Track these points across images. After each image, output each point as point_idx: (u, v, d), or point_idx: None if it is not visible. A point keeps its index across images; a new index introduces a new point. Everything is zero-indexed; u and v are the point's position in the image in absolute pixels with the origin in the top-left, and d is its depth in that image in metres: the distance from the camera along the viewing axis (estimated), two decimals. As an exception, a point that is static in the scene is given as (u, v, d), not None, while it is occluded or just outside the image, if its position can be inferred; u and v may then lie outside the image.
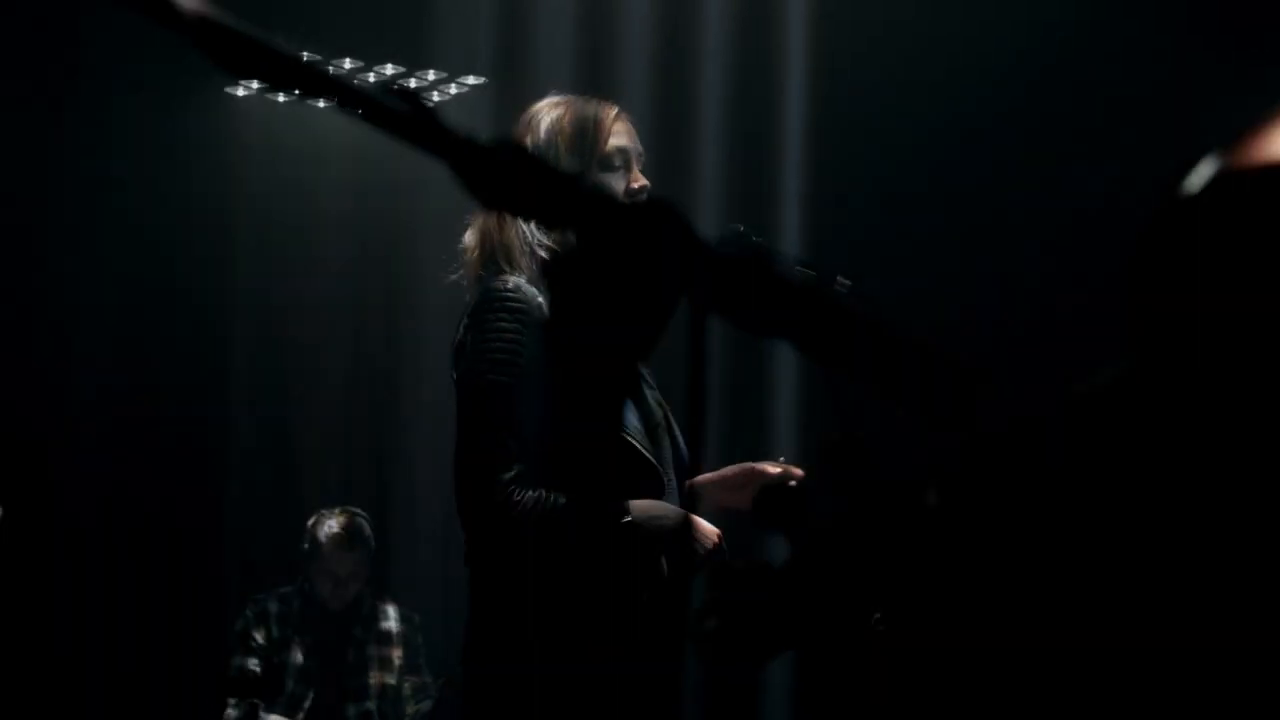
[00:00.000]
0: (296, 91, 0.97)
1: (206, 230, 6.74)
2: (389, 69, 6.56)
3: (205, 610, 6.67)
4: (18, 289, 6.54)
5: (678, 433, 3.32)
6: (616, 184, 3.23)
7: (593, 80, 4.97)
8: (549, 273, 3.09)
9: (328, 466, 7.09)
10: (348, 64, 6.54)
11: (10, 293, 6.52)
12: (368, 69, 6.58)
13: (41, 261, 6.56)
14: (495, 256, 3.23)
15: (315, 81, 0.96)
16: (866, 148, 5.63)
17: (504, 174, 0.95)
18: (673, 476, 3.25)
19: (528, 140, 3.25)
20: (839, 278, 3.38)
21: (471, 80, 6.67)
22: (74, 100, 6.16)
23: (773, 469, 3.32)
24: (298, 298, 6.97)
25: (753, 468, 3.32)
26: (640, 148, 3.33)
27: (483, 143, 0.96)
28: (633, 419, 3.14)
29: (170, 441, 6.79)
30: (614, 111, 3.32)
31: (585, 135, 3.26)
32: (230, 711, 5.68)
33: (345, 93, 0.96)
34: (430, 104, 0.96)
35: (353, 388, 7.16)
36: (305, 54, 0.99)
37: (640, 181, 3.29)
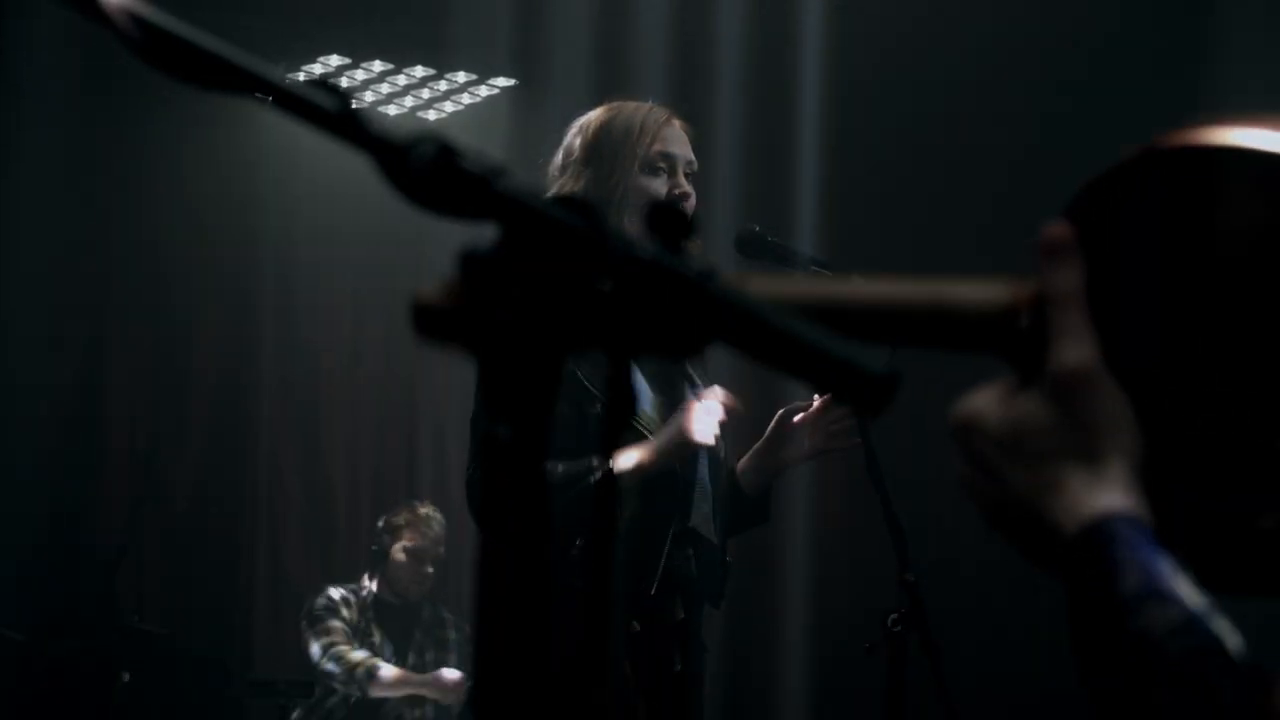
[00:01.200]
0: (224, 87, 0.95)
1: (233, 234, 6.75)
2: (419, 71, 6.56)
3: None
4: (43, 298, 6.57)
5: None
6: (658, 187, 3.26)
7: (612, 81, 4.96)
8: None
9: (359, 479, 7.10)
10: (378, 66, 6.55)
11: (33, 302, 6.55)
12: (397, 71, 6.59)
13: (62, 271, 6.58)
14: None
15: (241, 77, 0.94)
16: (883, 146, 5.61)
17: (424, 170, 0.93)
18: (704, 473, 3.26)
19: (576, 142, 3.29)
20: (854, 276, 3.37)
21: (501, 82, 6.67)
22: (108, 114, 6.18)
23: (799, 405, 3.34)
24: (327, 301, 6.98)
25: (780, 414, 3.35)
26: (691, 156, 3.33)
27: (404, 139, 0.94)
28: (648, 410, 3.16)
29: (202, 441, 6.81)
30: (665, 116, 3.33)
31: (630, 136, 3.27)
32: (331, 666, 5.74)
33: (272, 89, 0.95)
34: (355, 100, 0.94)
35: (383, 393, 7.16)
36: (229, 48, 0.97)
37: (682, 188, 3.29)
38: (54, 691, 6.09)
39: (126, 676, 5.77)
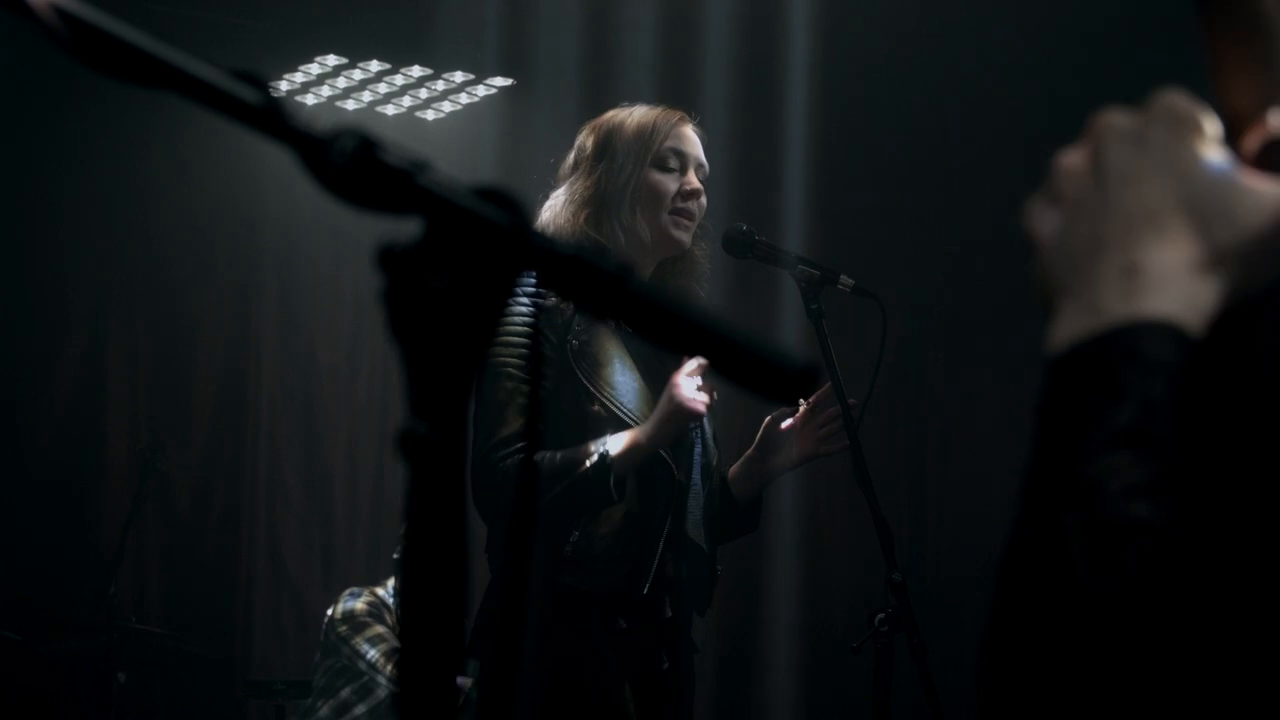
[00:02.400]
0: (149, 82, 0.95)
1: (233, 234, 6.76)
2: (416, 70, 6.56)
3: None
4: (43, 296, 6.57)
5: (709, 436, 3.33)
6: (669, 184, 3.28)
7: (606, 81, 4.97)
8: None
9: (359, 480, 7.10)
10: (375, 66, 6.54)
11: (33, 301, 6.56)
12: (394, 71, 6.58)
13: (63, 269, 6.59)
14: None
15: (166, 71, 0.93)
16: (870, 145, 5.60)
17: (344, 163, 0.93)
18: (697, 478, 3.27)
19: (590, 139, 3.32)
20: (842, 276, 3.36)
21: (498, 82, 6.66)
22: (93, 100, 6.18)
23: (786, 412, 3.34)
24: (328, 301, 6.98)
25: (767, 422, 3.35)
26: (702, 158, 3.35)
27: (325, 132, 0.93)
28: (628, 402, 3.17)
29: (203, 441, 6.81)
30: (679, 117, 3.36)
31: (644, 133, 3.30)
32: (372, 652, 5.74)
33: (195, 83, 0.94)
34: (277, 92, 0.93)
35: (384, 393, 7.16)
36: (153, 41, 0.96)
37: (693, 185, 3.31)
38: (52, 692, 6.10)
39: (123, 677, 5.77)
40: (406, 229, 0.93)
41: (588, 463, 3.07)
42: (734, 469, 3.39)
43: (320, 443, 7.03)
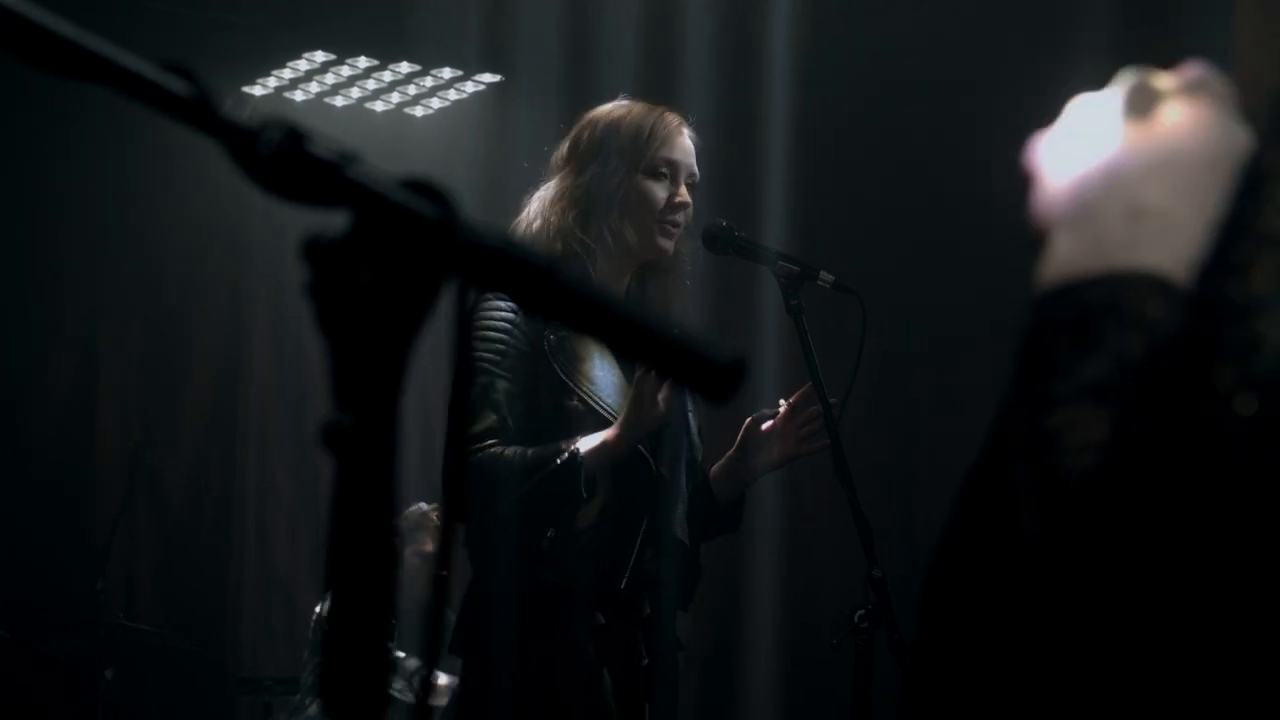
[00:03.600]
0: (74, 73, 0.94)
1: (224, 230, 6.75)
2: (404, 67, 6.55)
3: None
4: (38, 295, 6.57)
5: (694, 431, 3.33)
6: (659, 193, 3.27)
7: (591, 78, 4.96)
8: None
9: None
10: (363, 62, 6.54)
11: (28, 299, 6.56)
12: (382, 67, 6.58)
13: (56, 266, 6.59)
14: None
15: (91, 62, 0.93)
16: (851, 142, 5.59)
17: (271, 155, 0.92)
18: (681, 472, 3.26)
19: (584, 134, 3.30)
20: (822, 272, 3.36)
21: (486, 78, 6.66)
22: (86, 99, 6.17)
23: (766, 414, 3.33)
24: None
25: (748, 423, 3.34)
26: (694, 168, 3.34)
27: (252, 124, 0.92)
28: (607, 397, 3.17)
29: (194, 439, 6.81)
30: (676, 123, 3.34)
31: (639, 137, 3.28)
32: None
33: (121, 74, 0.93)
34: (206, 83, 0.92)
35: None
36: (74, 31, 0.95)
37: (682, 197, 3.30)
38: (38, 688, 6.09)
39: (110, 674, 5.77)
40: (334, 221, 0.92)
41: (558, 460, 3.07)
42: (715, 469, 3.39)
43: (311, 441, 6.99)
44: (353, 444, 0.90)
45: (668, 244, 3.29)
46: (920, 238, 5.80)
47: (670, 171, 3.29)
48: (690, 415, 3.35)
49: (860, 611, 3.23)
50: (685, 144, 3.33)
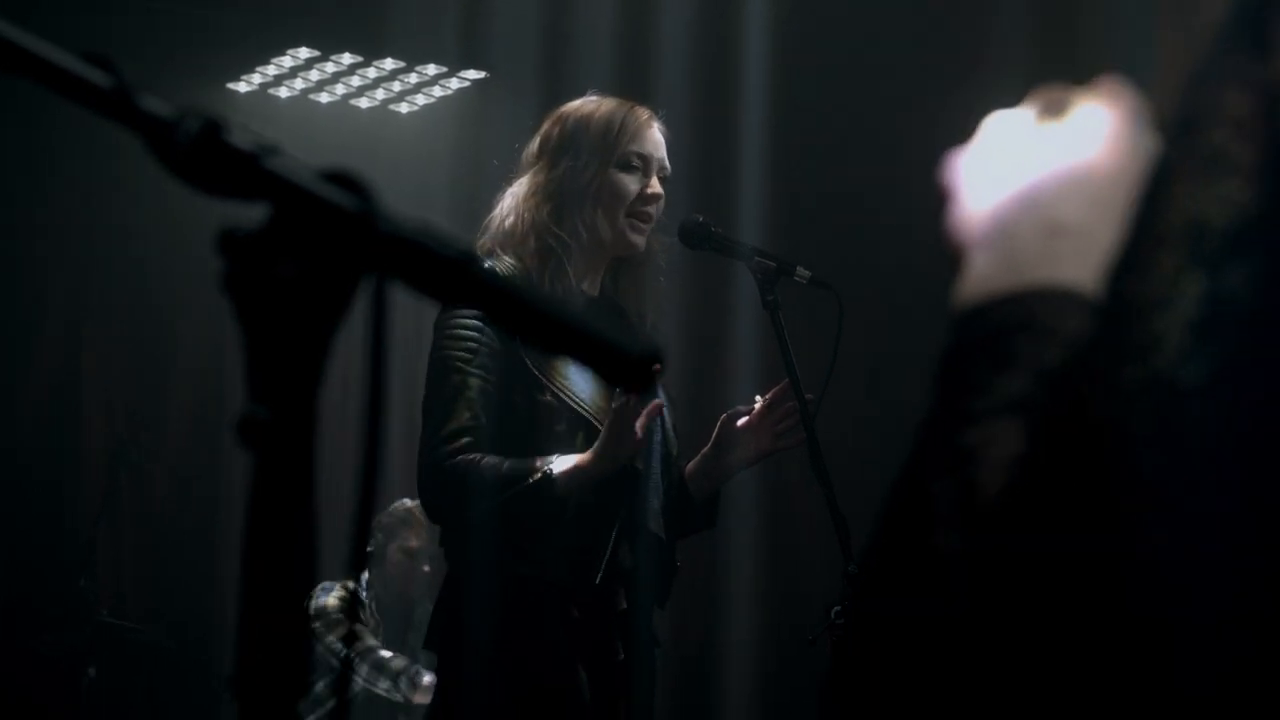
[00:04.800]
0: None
1: (209, 224, 6.73)
2: (388, 64, 6.55)
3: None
4: (17, 291, 6.56)
5: (669, 427, 3.32)
6: (631, 186, 3.28)
7: (573, 74, 4.96)
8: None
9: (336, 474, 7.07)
10: (347, 59, 6.53)
11: (9, 295, 6.55)
12: (367, 64, 6.57)
13: (41, 260, 6.58)
14: (494, 240, 3.24)
15: (8, 52, 0.92)
16: (828, 137, 5.58)
17: (189, 146, 0.91)
18: (656, 467, 3.26)
19: (555, 130, 3.31)
20: (798, 268, 3.35)
21: (471, 75, 6.65)
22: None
23: (742, 410, 3.32)
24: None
25: (723, 419, 3.34)
26: (664, 160, 3.34)
27: (171, 115, 0.92)
28: (580, 392, 3.16)
29: (180, 434, 6.81)
30: (646, 117, 3.34)
31: (610, 131, 3.28)
32: (373, 672, 5.72)
33: (40, 64, 0.92)
34: (123, 74, 0.92)
35: (361, 389, 7.14)
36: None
37: (654, 189, 3.30)
38: (20, 686, 6.09)
39: (93, 672, 5.76)
40: (252, 213, 0.91)
41: (530, 480, 3.06)
42: (690, 466, 3.38)
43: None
44: (270, 438, 0.89)
45: (637, 239, 3.30)
46: (897, 233, 5.79)
47: (642, 164, 3.30)
48: (665, 411, 3.35)
49: (837, 608, 3.22)
50: (655, 137, 3.34)
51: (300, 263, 0.89)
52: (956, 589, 0.75)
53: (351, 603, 5.91)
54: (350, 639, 5.84)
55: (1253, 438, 0.68)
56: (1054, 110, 0.90)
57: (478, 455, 3.08)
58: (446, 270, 0.87)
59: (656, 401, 3.13)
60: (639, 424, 3.04)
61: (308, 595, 0.90)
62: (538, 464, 3.08)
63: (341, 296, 0.90)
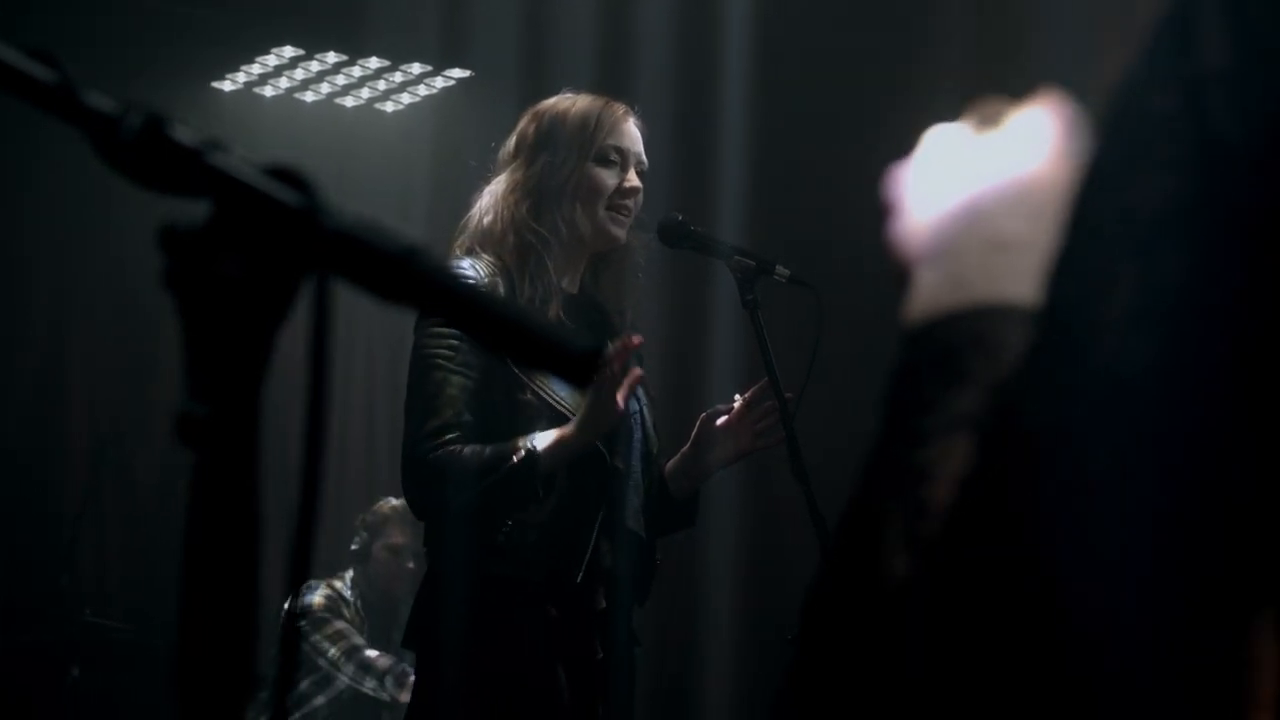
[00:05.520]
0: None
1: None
2: (373, 62, 6.54)
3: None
4: (3, 288, 6.55)
5: (649, 425, 3.32)
6: (609, 180, 3.29)
7: (556, 72, 4.96)
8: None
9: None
10: (332, 58, 6.52)
11: (6, 290, 6.54)
12: (351, 63, 6.56)
13: (25, 258, 6.57)
14: (473, 239, 3.24)
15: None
16: (808, 135, 5.58)
17: (131, 142, 0.90)
18: (637, 465, 3.26)
19: (532, 127, 3.33)
20: (778, 266, 3.35)
21: (456, 73, 6.65)
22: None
23: (721, 409, 3.32)
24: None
25: (703, 418, 3.33)
26: (642, 154, 3.35)
27: (113, 110, 0.91)
28: (560, 390, 3.16)
29: (166, 432, 6.78)
30: (622, 111, 3.36)
31: (586, 126, 3.30)
32: (358, 672, 5.72)
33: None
34: (67, 71, 0.91)
35: (347, 383, 7.14)
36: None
37: (632, 182, 3.31)
38: (4, 685, 6.07)
39: (76, 671, 5.75)
40: (195, 209, 0.91)
41: (514, 458, 3.06)
42: (670, 465, 3.38)
43: (280, 435, 6.99)
44: (210, 436, 0.88)
45: (618, 231, 3.30)
46: (877, 232, 5.78)
47: (619, 158, 3.31)
48: (645, 409, 3.35)
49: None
50: (632, 131, 3.35)
51: (243, 259, 0.89)
52: (907, 609, 0.75)
53: (336, 600, 5.90)
54: (336, 637, 5.83)
55: (1193, 422, 0.68)
56: (992, 123, 0.90)
57: (459, 446, 3.09)
58: (390, 267, 0.87)
59: (637, 371, 3.12)
60: (620, 394, 3.04)
61: (249, 595, 0.90)
62: (519, 442, 3.09)
63: (284, 293, 0.90)
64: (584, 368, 0.85)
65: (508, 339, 0.86)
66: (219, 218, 0.90)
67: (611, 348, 3.08)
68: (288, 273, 0.89)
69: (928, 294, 0.85)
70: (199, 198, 0.91)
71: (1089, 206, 0.73)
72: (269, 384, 0.93)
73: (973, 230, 0.85)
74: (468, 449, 3.08)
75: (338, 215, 0.89)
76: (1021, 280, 0.82)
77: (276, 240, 0.89)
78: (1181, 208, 0.69)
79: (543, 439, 3.09)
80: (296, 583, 0.84)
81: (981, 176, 0.87)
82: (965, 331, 0.82)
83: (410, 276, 0.86)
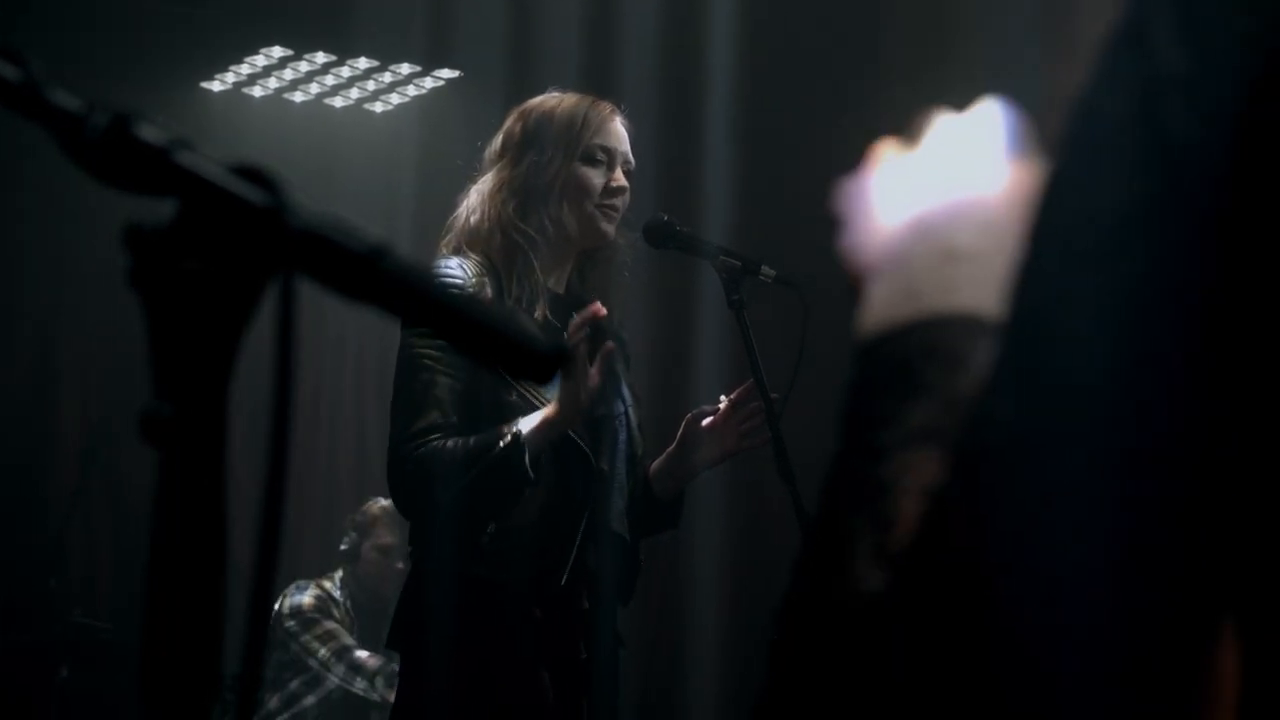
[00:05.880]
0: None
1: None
2: (362, 63, 6.54)
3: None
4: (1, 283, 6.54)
5: (634, 426, 3.32)
6: (596, 179, 3.28)
7: (542, 72, 4.96)
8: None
9: (313, 473, 7.06)
10: (320, 58, 6.51)
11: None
12: (340, 63, 6.56)
13: (14, 257, 6.56)
14: (460, 238, 3.24)
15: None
16: (794, 135, 5.58)
17: (97, 140, 0.90)
18: (621, 467, 3.25)
19: (518, 126, 3.32)
20: (764, 266, 3.35)
21: (445, 74, 6.64)
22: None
23: (707, 410, 3.32)
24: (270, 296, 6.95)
25: (688, 419, 3.33)
26: (629, 153, 3.35)
27: (79, 108, 0.91)
28: (548, 392, 3.15)
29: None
30: (609, 111, 3.35)
31: (574, 125, 3.29)
32: (348, 672, 5.71)
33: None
34: (34, 67, 0.90)
35: (336, 384, 7.14)
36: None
37: (619, 182, 3.31)
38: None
39: (65, 671, 5.74)
40: (161, 208, 0.90)
41: (501, 443, 3.06)
42: (655, 466, 3.38)
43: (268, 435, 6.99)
44: (175, 435, 0.88)
45: (608, 227, 3.30)
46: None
47: (606, 158, 3.31)
48: (630, 410, 3.35)
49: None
50: (619, 130, 3.34)
51: (208, 258, 0.89)
52: (882, 628, 0.74)
53: (326, 600, 5.90)
54: (327, 638, 5.83)
55: (1157, 429, 0.68)
56: (942, 134, 0.89)
57: (443, 441, 3.09)
58: (355, 266, 0.86)
59: (609, 345, 3.12)
60: (594, 370, 3.04)
61: (215, 596, 0.89)
62: (503, 429, 3.08)
63: (250, 293, 0.89)
64: (550, 367, 0.84)
65: (475, 339, 0.86)
66: (185, 216, 0.89)
67: (575, 319, 3.08)
68: (254, 272, 0.89)
69: (880, 307, 0.85)
70: (165, 196, 0.91)
71: (1050, 213, 0.73)
72: (237, 383, 0.92)
73: (924, 242, 0.85)
74: (451, 441, 3.08)
75: (304, 214, 0.89)
76: (975, 290, 0.82)
77: (242, 239, 0.88)
78: (1142, 213, 0.68)
79: (527, 422, 3.09)
80: (262, 586, 0.83)
81: (930, 188, 0.87)
82: (919, 343, 0.82)
83: (376, 276, 0.86)
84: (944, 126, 0.90)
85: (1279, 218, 0.67)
